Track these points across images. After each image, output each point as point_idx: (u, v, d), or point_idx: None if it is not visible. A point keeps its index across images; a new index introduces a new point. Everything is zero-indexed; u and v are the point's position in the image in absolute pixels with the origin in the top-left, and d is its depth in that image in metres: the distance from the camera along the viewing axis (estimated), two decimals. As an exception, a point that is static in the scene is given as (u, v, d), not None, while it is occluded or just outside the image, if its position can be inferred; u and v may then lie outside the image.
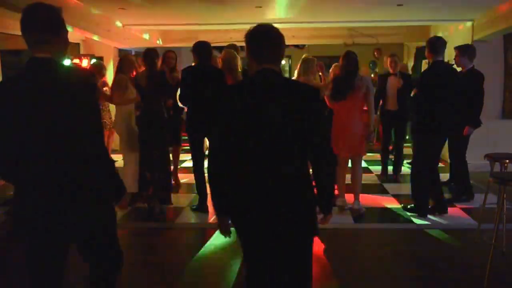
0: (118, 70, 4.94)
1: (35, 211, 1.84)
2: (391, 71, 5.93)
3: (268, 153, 1.93)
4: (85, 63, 6.96)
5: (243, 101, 1.95)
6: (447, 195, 4.95)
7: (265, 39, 1.98)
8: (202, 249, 3.92)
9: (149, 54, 4.72)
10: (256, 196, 1.96)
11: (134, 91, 4.75)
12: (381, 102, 6.05)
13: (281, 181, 1.94)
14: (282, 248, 2.04)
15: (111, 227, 2.11)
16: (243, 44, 2.07)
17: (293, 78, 5.29)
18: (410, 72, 9.52)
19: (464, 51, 4.91)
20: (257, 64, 1.99)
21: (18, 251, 3.82)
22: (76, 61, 6.86)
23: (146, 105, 4.64)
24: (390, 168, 6.27)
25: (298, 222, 1.99)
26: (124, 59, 4.97)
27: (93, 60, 7.01)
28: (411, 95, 5.38)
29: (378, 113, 6.16)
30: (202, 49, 4.52)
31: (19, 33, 1.85)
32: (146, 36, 8.27)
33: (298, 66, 5.17)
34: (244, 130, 1.94)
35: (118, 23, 7.04)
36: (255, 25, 2.01)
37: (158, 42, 8.76)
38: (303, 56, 5.26)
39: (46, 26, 1.85)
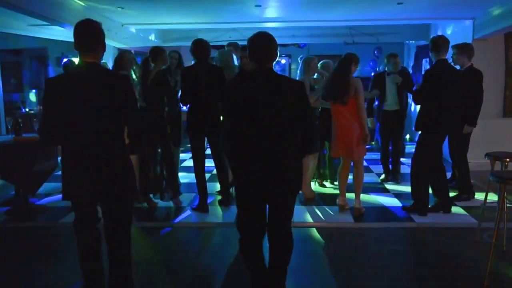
0: (118, 68, 4.81)
1: (77, 176, 2.50)
2: (393, 70, 5.85)
3: (266, 130, 2.48)
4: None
5: (245, 88, 2.53)
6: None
7: (262, 44, 2.56)
8: (202, 249, 3.93)
9: (152, 52, 4.68)
10: (257, 163, 2.52)
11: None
12: (377, 102, 6.01)
13: (276, 151, 2.51)
14: (276, 197, 2.62)
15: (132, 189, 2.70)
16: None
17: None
18: (411, 70, 9.53)
19: (463, 49, 4.89)
20: (256, 64, 2.56)
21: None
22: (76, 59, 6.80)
23: (144, 106, 4.61)
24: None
25: (289, 180, 2.58)
26: (121, 56, 4.84)
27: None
28: (413, 89, 5.32)
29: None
30: (200, 47, 4.50)
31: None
32: (145, 35, 8.27)
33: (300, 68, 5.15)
34: (246, 112, 2.48)
35: (117, 22, 7.03)
36: (255, 32, 2.60)
37: (157, 41, 8.75)
38: (300, 57, 5.25)
39: (92, 39, 2.50)
